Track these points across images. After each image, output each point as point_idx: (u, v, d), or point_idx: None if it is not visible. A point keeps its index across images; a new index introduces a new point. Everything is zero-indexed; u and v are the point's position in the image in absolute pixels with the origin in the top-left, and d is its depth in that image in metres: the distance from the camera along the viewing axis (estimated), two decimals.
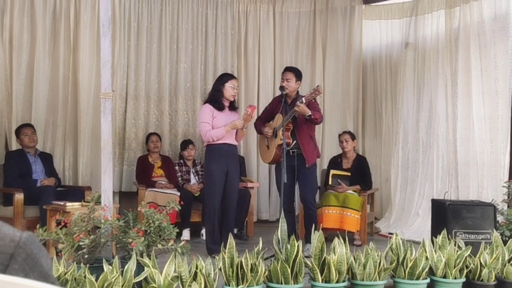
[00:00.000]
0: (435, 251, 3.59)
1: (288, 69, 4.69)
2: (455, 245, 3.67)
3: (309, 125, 4.55)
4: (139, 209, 3.58)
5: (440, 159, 5.57)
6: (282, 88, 4.53)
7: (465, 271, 3.56)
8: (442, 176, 5.54)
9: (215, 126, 4.38)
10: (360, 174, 5.40)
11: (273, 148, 4.52)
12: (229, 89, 4.44)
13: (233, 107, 4.53)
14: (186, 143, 5.82)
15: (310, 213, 4.59)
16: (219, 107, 4.42)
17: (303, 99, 4.35)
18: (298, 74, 4.65)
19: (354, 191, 5.30)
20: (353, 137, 5.52)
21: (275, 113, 4.61)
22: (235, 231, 5.17)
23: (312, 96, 4.31)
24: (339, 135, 5.60)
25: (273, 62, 6.59)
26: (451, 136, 5.47)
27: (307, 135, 4.58)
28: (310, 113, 4.35)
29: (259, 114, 5.12)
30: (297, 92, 4.66)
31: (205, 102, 4.50)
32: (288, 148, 4.43)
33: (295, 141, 4.52)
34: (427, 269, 3.47)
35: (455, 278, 3.50)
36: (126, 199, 5.92)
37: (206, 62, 6.33)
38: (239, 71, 6.44)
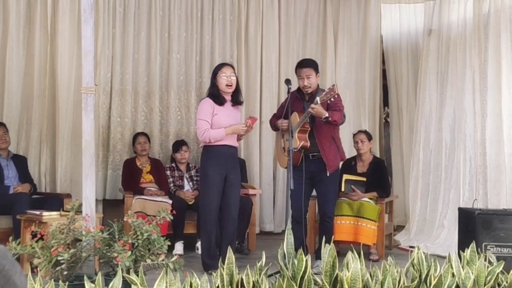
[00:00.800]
0: (462, 267, 3.57)
1: (305, 65, 4.67)
2: (485, 260, 3.64)
3: (330, 126, 4.54)
4: (125, 219, 3.58)
5: (467, 162, 5.57)
6: (288, 81, 4.54)
7: None
8: (470, 181, 5.54)
9: (215, 125, 4.38)
10: (377, 179, 5.39)
11: (287, 151, 4.49)
12: (220, 80, 4.43)
13: (236, 101, 4.51)
14: (179, 144, 5.80)
15: (326, 225, 4.63)
16: (220, 101, 4.43)
17: (318, 99, 4.35)
18: (316, 67, 4.68)
19: (371, 198, 5.30)
20: (369, 137, 5.52)
21: (293, 110, 4.57)
22: (235, 244, 5.14)
23: (327, 97, 4.31)
24: (354, 135, 5.60)
25: (278, 52, 6.57)
26: (479, 136, 5.47)
27: (328, 136, 4.59)
28: (326, 115, 4.36)
29: (271, 113, 5.10)
30: (318, 85, 4.68)
31: (205, 97, 4.54)
32: (295, 150, 4.41)
33: (306, 144, 4.52)
34: None
35: None
36: (111, 208, 5.92)
37: (201, 52, 6.31)
38: (239, 61, 6.44)
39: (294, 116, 4.56)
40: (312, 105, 4.34)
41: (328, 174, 4.53)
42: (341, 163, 4.91)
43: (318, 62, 6.46)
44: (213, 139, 4.36)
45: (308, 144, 4.51)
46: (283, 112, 4.59)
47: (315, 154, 4.55)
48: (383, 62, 6.91)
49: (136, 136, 5.84)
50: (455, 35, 5.76)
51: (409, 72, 6.47)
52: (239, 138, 4.56)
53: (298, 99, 4.67)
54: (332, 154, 4.58)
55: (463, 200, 5.51)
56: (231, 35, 6.41)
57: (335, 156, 4.62)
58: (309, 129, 4.53)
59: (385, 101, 7.15)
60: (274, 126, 4.81)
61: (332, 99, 4.34)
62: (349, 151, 6.28)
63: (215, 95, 4.44)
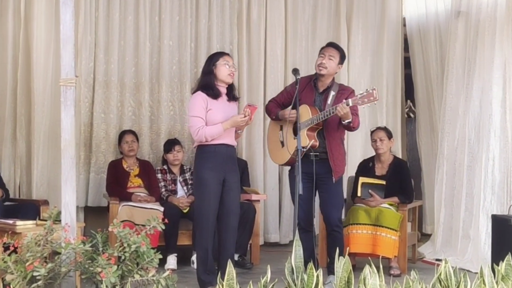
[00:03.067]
0: (497, 282, 3.55)
1: (334, 46, 4.67)
2: None
3: (341, 127, 4.56)
4: (110, 229, 3.58)
5: (490, 162, 5.51)
6: (296, 71, 4.49)
7: None
8: (499, 184, 5.50)
9: (210, 121, 4.36)
10: (398, 182, 5.39)
11: (292, 147, 4.47)
12: (222, 68, 4.40)
13: (232, 95, 4.52)
14: (171, 144, 5.79)
15: (335, 235, 4.59)
16: (214, 94, 4.40)
17: (350, 101, 4.31)
18: (343, 56, 4.67)
19: (391, 204, 5.29)
20: (389, 135, 5.51)
21: (300, 99, 4.49)
22: (236, 257, 5.16)
23: (363, 101, 4.28)
24: (371, 132, 5.59)
25: (284, 38, 6.55)
26: (510, 134, 5.46)
27: (338, 138, 4.60)
28: (350, 120, 4.37)
29: (270, 99, 5.00)
30: (333, 78, 4.67)
31: (195, 90, 4.49)
32: (304, 150, 4.39)
33: (315, 143, 4.51)
34: None
35: None
36: (94, 216, 5.92)
37: (197, 38, 6.29)
38: (240, 49, 6.41)
39: (303, 109, 4.48)
40: (344, 105, 4.29)
41: (334, 181, 4.51)
42: (348, 164, 4.96)
43: None
44: (210, 137, 4.34)
45: (317, 143, 4.50)
46: (288, 100, 4.53)
47: (318, 154, 4.51)
48: (405, 48, 6.89)
49: (122, 135, 5.82)
50: (484, 18, 5.70)
51: (437, 60, 6.41)
52: (237, 136, 4.55)
53: (310, 88, 4.62)
54: (340, 158, 4.57)
55: (497, 207, 5.44)
56: (230, 18, 6.40)
57: (342, 160, 4.62)
58: (321, 127, 4.52)
59: (407, 93, 7.15)
60: (272, 113, 4.73)
61: (368, 104, 4.32)
62: (365, 151, 6.32)
63: (210, 86, 4.40)
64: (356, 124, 4.48)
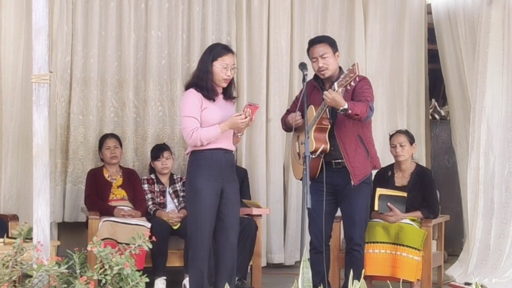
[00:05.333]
0: None
1: (316, 41, 4.70)
2: None
3: (356, 121, 4.52)
4: (89, 248, 3.58)
5: None
6: (303, 65, 4.53)
7: None
8: None
9: (205, 122, 4.36)
10: (421, 194, 5.39)
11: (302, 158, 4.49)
12: (219, 71, 4.40)
13: (228, 94, 4.53)
14: (159, 150, 5.79)
15: (354, 254, 4.62)
16: (209, 95, 4.41)
17: (335, 84, 4.37)
18: (332, 43, 4.68)
19: (413, 220, 5.28)
20: (411, 139, 5.50)
21: (310, 103, 4.59)
22: (235, 280, 4.89)
23: (345, 80, 4.32)
24: (390, 137, 5.58)
25: (289, 28, 6.54)
26: None
27: (353, 135, 4.59)
28: (345, 106, 4.32)
29: (286, 107, 5.21)
30: (340, 69, 4.68)
31: (188, 87, 4.49)
32: (313, 156, 4.39)
33: (326, 147, 4.52)
34: None
35: None
36: (71, 233, 5.90)
37: (189, 28, 6.28)
38: (239, 42, 6.39)
39: (311, 111, 4.55)
40: (326, 91, 4.33)
41: (353, 185, 4.51)
42: (373, 172, 4.89)
43: (343, 43, 6.37)
44: (206, 140, 4.32)
45: (328, 146, 4.51)
46: (298, 107, 4.56)
47: (340, 161, 4.56)
48: (429, 39, 6.87)
49: (103, 139, 5.81)
50: None
51: (468, 52, 6.29)
52: (236, 139, 4.54)
53: (316, 89, 4.67)
54: (359, 159, 4.56)
55: None
56: (228, 5, 6.38)
57: (363, 162, 4.59)
58: (329, 126, 4.54)
59: (432, 91, 7.11)
60: (285, 125, 4.85)
61: (352, 83, 4.32)
62: (382, 158, 6.13)
63: (206, 86, 4.40)
64: (359, 109, 4.37)
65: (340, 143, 4.52)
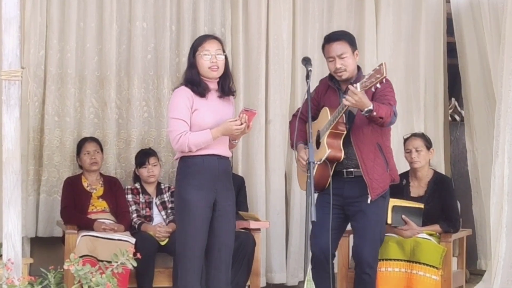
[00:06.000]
0: None
1: (335, 38, 4.68)
2: None
3: (375, 128, 4.54)
4: (65, 266, 3.62)
5: None
6: (307, 61, 4.52)
7: None
8: None
9: (196, 125, 4.37)
10: (440, 205, 5.40)
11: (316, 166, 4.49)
12: (201, 61, 4.41)
13: (225, 90, 4.50)
14: (145, 156, 5.78)
15: (365, 278, 4.62)
16: (200, 91, 4.39)
17: (358, 85, 4.34)
18: (352, 41, 4.68)
19: (431, 234, 5.28)
20: (428, 144, 5.51)
21: (323, 105, 4.63)
22: None
23: (371, 81, 4.30)
24: (405, 141, 5.58)
25: (291, 19, 6.49)
26: None
27: (372, 144, 4.59)
28: (370, 107, 4.30)
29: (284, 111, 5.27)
30: (358, 68, 4.69)
31: (178, 85, 4.55)
32: (318, 162, 4.42)
33: (339, 155, 4.54)
34: None
35: None
36: (45, 249, 5.91)
37: (179, 19, 6.26)
38: (234, 33, 6.37)
39: (325, 113, 4.58)
40: (352, 88, 4.28)
41: (369, 201, 4.51)
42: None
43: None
44: (195, 146, 4.31)
45: (342, 154, 4.51)
46: (316, 109, 4.62)
47: (352, 170, 4.57)
48: (448, 31, 6.86)
49: (82, 143, 5.78)
50: None
51: (493, 45, 6.29)
52: (231, 145, 4.53)
53: (332, 90, 4.66)
54: (378, 171, 4.56)
55: None
56: None
57: (383, 174, 4.59)
58: (345, 132, 4.53)
59: (451, 90, 7.10)
60: (291, 138, 4.88)
61: (378, 85, 4.29)
62: (397, 165, 6.19)
63: (194, 81, 4.41)
64: (384, 112, 4.35)
65: (357, 152, 4.54)
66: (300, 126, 4.70)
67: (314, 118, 4.69)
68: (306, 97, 4.71)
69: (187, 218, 4.35)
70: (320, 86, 4.64)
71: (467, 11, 6.61)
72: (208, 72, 4.39)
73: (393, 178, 4.72)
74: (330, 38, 4.67)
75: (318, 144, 4.61)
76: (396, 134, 6.17)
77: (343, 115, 4.45)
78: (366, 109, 4.30)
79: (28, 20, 5.77)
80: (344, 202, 4.58)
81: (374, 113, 4.30)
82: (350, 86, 4.32)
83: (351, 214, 4.62)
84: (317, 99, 4.74)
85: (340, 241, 4.93)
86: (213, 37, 4.53)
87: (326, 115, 4.56)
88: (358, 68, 4.69)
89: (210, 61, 4.38)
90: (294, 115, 4.87)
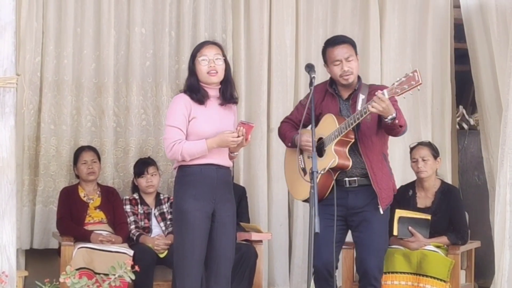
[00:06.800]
0: None
1: (340, 41, 4.73)
2: None
3: (381, 137, 4.60)
4: (61, 279, 3.59)
5: None
6: (310, 67, 4.53)
7: None
8: None
9: (194, 134, 4.37)
10: (448, 217, 5.40)
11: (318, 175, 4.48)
12: (200, 67, 4.42)
13: (226, 97, 4.50)
14: (143, 165, 5.79)
15: None
16: (199, 98, 4.40)
17: (385, 91, 4.34)
18: (355, 45, 4.74)
19: (438, 246, 5.28)
20: (435, 153, 5.51)
21: (320, 112, 4.63)
22: None
23: (403, 88, 4.31)
24: (411, 150, 5.58)
25: (294, 25, 6.52)
26: None
27: (380, 153, 4.64)
28: (394, 115, 4.34)
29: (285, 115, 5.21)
30: (359, 78, 4.72)
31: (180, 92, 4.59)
32: (322, 172, 4.40)
33: (347, 163, 4.56)
34: None
35: None
36: (40, 262, 5.90)
37: (179, 24, 6.28)
38: (236, 40, 6.39)
39: (328, 120, 4.59)
40: (380, 95, 4.29)
41: (382, 211, 4.56)
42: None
43: (355, 39, 6.43)
44: (189, 156, 4.32)
45: (350, 163, 4.52)
46: (307, 116, 4.52)
47: (356, 178, 4.58)
48: (455, 37, 6.86)
49: (79, 152, 5.79)
50: None
51: (501, 51, 6.25)
52: (231, 156, 4.53)
53: (331, 96, 4.68)
54: (386, 180, 4.61)
55: None
56: (223, 0, 6.39)
57: (388, 184, 4.64)
58: (353, 140, 4.55)
59: (459, 97, 7.11)
60: (287, 139, 4.87)
61: (410, 93, 4.36)
62: (403, 175, 6.26)
63: (194, 88, 4.42)
64: (403, 121, 4.44)
65: (366, 161, 4.56)
66: (291, 128, 4.82)
67: (306, 125, 4.69)
68: (303, 102, 4.80)
69: (185, 229, 4.35)
70: (315, 93, 4.57)
71: (477, 15, 6.59)
72: (207, 77, 4.40)
73: (394, 189, 4.78)
74: (336, 41, 4.72)
75: (320, 151, 4.59)
76: (402, 142, 6.18)
77: (358, 120, 4.46)
78: (390, 117, 4.33)
79: (24, 26, 5.78)
80: (348, 212, 4.58)
81: (397, 121, 4.36)
82: (377, 93, 4.31)
83: (354, 225, 4.63)
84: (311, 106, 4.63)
85: (344, 254, 5.00)
86: (212, 42, 4.55)
87: (332, 121, 4.55)
88: (359, 77, 4.73)
89: (208, 66, 4.39)
90: (283, 121, 4.96)
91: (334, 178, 4.53)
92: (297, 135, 4.65)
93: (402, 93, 4.32)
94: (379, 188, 4.54)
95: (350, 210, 4.59)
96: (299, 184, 4.74)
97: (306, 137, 4.58)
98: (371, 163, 4.55)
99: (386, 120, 4.36)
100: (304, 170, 4.66)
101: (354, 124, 4.44)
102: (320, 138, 4.61)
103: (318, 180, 4.37)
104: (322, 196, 4.51)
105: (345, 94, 4.63)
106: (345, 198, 4.54)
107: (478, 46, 6.62)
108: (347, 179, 4.56)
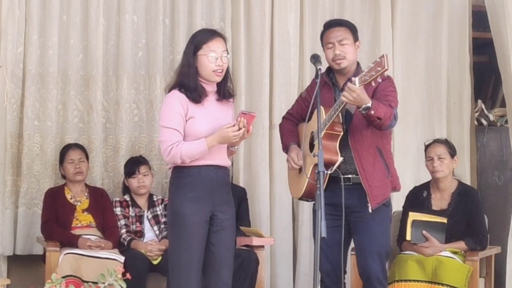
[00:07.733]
0: None
1: (334, 24, 4.74)
2: None
3: (376, 130, 4.55)
4: (47, 287, 3.68)
5: None
6: (316, 58, 4.52)
7: None
8: None
9: (191, 133, 4.37)
10: (465, 220, 5.43)
11: (308, 170, 4.57)
12: (205, 62, 4.35)
13: (223, 92, 4.48)
14: (135, 164, 5.82)
15: None
16: (195, 97, 4.36)
17: (356, 79, 4.34)
18: (354, 29, 4.72)
19: (455, 252, 5.29)
20: (452, 151, 5.52)
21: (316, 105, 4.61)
22: None
23: (370, 75, 4.30)
24: (426, 147, 5.59)
25: (299, 12, 6.52)
26: None
27: (372, 147, 4.60)
28: (369, 104, 4.31)
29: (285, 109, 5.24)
30: (357, 64, 4.71)
31: (171, 88, 4.48)
32: (329, 173, 4.43)
33: (342, 159, 4.54)
34: None
35: None
36: (23, 269, 5.94)
37: (173, 12, 6.29)
38: (235, 28, 6.40)
39: (320, 112, 4.58)
40: (350, 84, 4.28)
41: (370, 210, 4.52)
42: (393, 194, 4.89)
43: (365, 32, 6.55)
44: (188, 158, 4.30)
45: (339, 158, 4.49)
46: (302, 110, 4.67)
47: (350, 176, 4.60)
48: (474, 25, 6.87)
49: (65, 151, 5.79)
50: None
51: None
52: (230, 152, 4.53)
53: (327, 87, 4.69)
54: (378, 177, 4.58)
55: None
56: None
57: (383, 180, 4.61)
58: (341, 133, 4.55)
59: (478, 90, 7.10)
60: (283, 143, 4.94)
61: (379, 80, 4.29)
62: (416, 175, 6.39)
63: (190, 86, 4.36)
64: (382, 113, 4.36)
65: (355, 155, 4.56)
66: (291, 127, 4.87)
67: (307, 119, 4.67)
68: (303, 95, 4.85)
69: (180, 234, 4.35)
70: (312, 85, 4.62)
71: (502, 1, 6.50)
72: (211, 75, 4.36)
73: (394, 185, 4.73)
74: (330, 24, 4.72)
75: (312, 147, 4.62)
76: (416, 140, 6.26)
77: (340, 114, 4.47)
78: (363, 106, 4.31)
79: (5, 13, 5.79)
80: (347, 212, 4.53)
81: (372, 112, 4.32)
82: (348, 83, 4.33)
83: (351, 226, 4.62)
84: (310, 99, 4.66)
85: (353, 261, 4.95)
86: (220, 35, 4.46)
87: (322, 115, 4.55)
88: (358, 63, 4.71)
89: (216, 63, 4.33)
90: (284, 117, 4.99)
91: (323, 175, 4.42)
92: (291, 144, 4.76)
93: (370, 80, 4.27)
94: (369, 185, 4.52)
95: (347, 209, 4.54)
96: (295, 181, 4.79)
97: (294, 154, 4.68)
98: (361, 157, 4.55)
99: (359, 110, 4.35)
100: (300, 168, 4.70)
101: (335, 116, 4.44)
102: (312, 132, 4.65)
103: (309, 174, 4.51)
104: (312, 195, 4.43)
105: (341, 82, 4.64)
106: (339, 197, 4.51)
107: (504, 34, 6.52)
108: (341, 176, 4.54)
